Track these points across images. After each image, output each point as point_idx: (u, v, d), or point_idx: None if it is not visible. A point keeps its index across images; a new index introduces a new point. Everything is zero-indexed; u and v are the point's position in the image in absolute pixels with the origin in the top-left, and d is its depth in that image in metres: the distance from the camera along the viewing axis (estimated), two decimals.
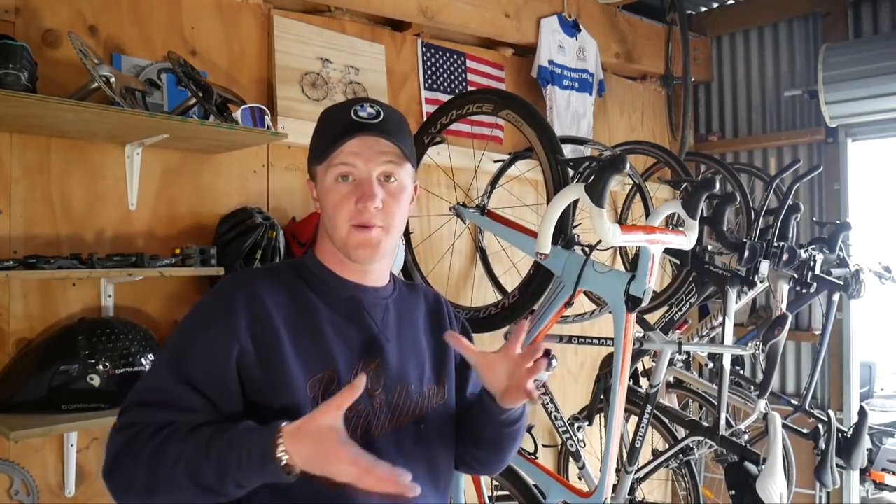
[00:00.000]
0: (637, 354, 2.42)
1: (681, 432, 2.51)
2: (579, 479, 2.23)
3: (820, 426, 2.62)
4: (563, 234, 1.71)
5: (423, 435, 1.16)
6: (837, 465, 2.57)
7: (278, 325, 1.06)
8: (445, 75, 2.75)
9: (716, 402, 2.31)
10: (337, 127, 1.10)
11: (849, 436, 2.60)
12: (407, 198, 1.15)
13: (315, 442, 0.89)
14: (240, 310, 1.05)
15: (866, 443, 2.74)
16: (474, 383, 1.28)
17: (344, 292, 1.15)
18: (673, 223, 2.47)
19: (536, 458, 1.84)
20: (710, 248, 2.45)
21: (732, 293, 2.32)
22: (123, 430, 0.99)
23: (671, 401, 2.97)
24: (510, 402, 1.12)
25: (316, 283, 1.15)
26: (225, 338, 1.03)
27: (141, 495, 0.97)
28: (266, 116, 1.95)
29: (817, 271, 2.54)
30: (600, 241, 1.51)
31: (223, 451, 0.92)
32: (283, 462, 0.89)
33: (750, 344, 2.45)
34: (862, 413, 2.65)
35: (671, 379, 2.91)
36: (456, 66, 2.80)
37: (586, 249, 1.66)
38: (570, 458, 2.65)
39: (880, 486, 4.11)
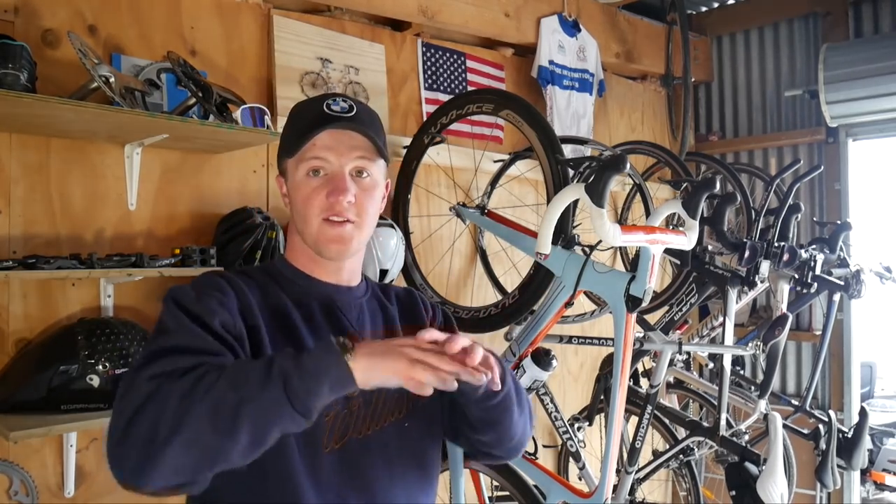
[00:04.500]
0: (637, 355, 2.42)
1: (681, 432, 2.51)
2: (579, 479, 2.23)
3: (820, 426, 2.62)
4: (563, 234, 1.71)
5: (408, 434, 1.13)
6: (838, 466, 2.57)
7: (259, 321, 1.03)
8: (445, 75, 2.75)
9: (716, 403, 2.30)
10: (308, 120, 1.08)
11: (849, 436, 2.60)
12: (380, 194, 1.14)
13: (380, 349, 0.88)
14: (229, 293, 1.02)
15: (867, 443, 2.74)
16: None
17: (318, 293, 1.12)
18: (673, 223, 2.47)
19: (536, 458, 1.83)
20: (710, 248, 2.45)
21: (733, 293, 2.32)
22: (152, 379, 0.86)
23: (671, 401, 2.97)
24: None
25: (288, 285, 1.12)
26: (227, 305, 0.99)
27: (162, 441, 0.81)
28: (266, 116, 1.95)
29: (818, 271, 2.54)
30: (600, 242, 1.50)
31: (284, 363, 0.86)
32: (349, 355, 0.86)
33: (750, 344, 2.45)
34: (863, 413, 2.65)
35: (671, 379, 2.91)
36: (456, 65, 2.79)
37: (586, 249, 1.65)
38: (571, 459, 2.65)
39: (881, 487, 4.11)
